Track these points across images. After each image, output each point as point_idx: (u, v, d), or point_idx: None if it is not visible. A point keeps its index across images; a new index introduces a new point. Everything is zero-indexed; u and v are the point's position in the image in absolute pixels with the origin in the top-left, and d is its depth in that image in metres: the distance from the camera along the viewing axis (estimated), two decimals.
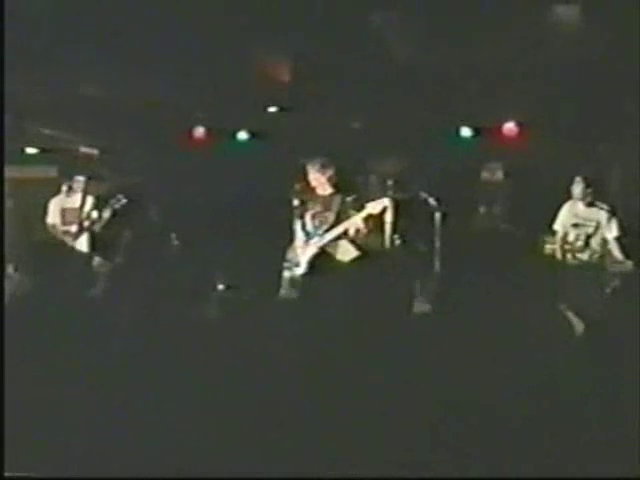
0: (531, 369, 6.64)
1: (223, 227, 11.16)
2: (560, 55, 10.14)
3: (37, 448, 5.02)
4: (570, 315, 8.95)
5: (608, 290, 9.33)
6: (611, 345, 7.23)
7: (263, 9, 9.62)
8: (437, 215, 11.10)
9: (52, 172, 12.26)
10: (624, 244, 9.70)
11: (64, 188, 10.96)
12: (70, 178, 10.96)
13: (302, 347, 7.36)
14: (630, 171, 11.06)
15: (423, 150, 11.50)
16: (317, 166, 9.34)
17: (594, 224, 9.70)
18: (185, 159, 12.12)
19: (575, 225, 9.79)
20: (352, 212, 9.13)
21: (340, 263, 9.13)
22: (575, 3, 9.84)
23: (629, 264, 9.59)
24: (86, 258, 10.61)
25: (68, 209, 10.88)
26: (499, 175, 12.61)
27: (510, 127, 12.04)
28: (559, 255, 9.83)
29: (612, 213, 9.69)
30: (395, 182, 10.46)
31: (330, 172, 9.32)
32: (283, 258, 9.46)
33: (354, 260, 9.15)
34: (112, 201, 10.57)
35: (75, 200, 10.88)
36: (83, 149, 12.94)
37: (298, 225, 9.37)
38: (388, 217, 10.30)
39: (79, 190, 10.88)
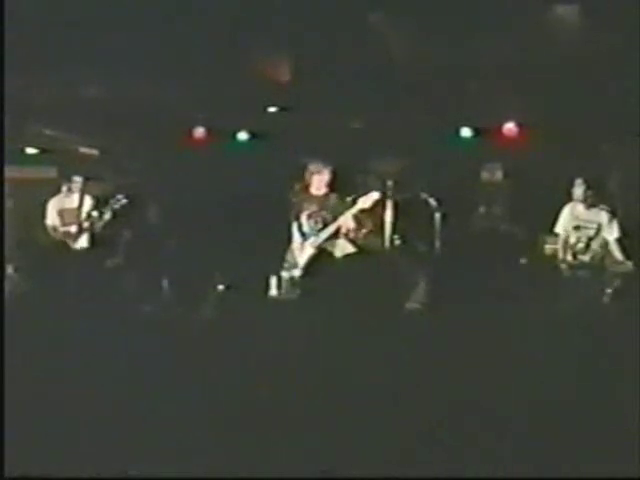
0: (531, 369, 6.63)
1: (223, 227, 11.16)
2: (560, 55, 10.14)
3: (37, 448, 5.02)
4: (570, 315, 8.95)
5: (609, 290, 9.34)
6: (611, 345, 7.23)
7: (263, 9, 9.62)
8: (437, 215, 11.11)
9: (52, 172, 12.26)
10: (624, 245, 9.72)
11: (64, 189, 10.96)
12: (70, 179, 10.96)
13: (301, 348, 7.36)
14: (630, 171, 11.07)
15: (423, 150, 11.50)
16: (313, 166, 9.37)
17: (595, 226, 9.71)
18: (185, 159, 12.11)
19: (576, 227, 9.80)
20: (345, 211, 9.17)
21: (339, 264, 9.14)
22: (575, 3, 9.84)
23: (629, 264, 9.61)
24: (86, 258, 10.61)
25: (67, 210, 10.87)
26: (499, 175, 12.60)
27: (510, 127, 12.04)
28: (561, 256, 9.85)
29: (613, 214, 9.71)
30: (395, 182, 10.47)
31: (326, 172, 9.35)
32: (283, 258, 9.47)
33: (354, 260, 9.16)
34: (112, 201, 10.58)
35: (73, 200, 10.88)
36: (83, 149, 12.94)
37: (295, 226, 9.39)
38: (388, 217, 10.32)
39: (77, 190, 10.88)
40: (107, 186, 11.45)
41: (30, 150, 12.81)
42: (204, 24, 9.70)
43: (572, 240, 9.81)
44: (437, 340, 7.54)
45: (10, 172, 10.75)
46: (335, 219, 9.25)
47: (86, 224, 10.67)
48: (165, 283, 10.43)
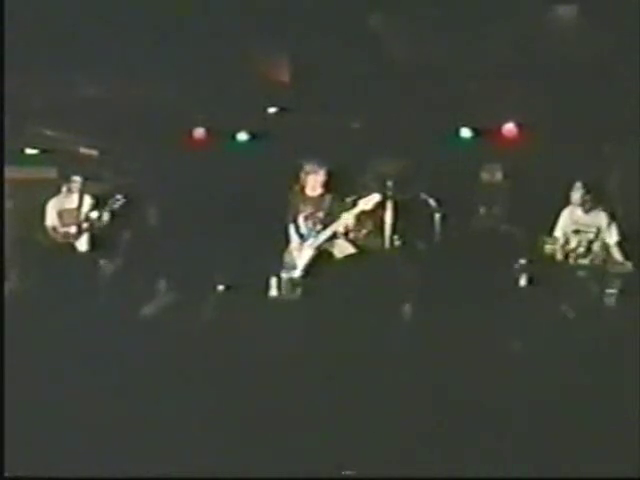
0: (530, 369, 6.64)
1: (223, 227, 11.15)
2: (560, 56, 10.14)
3: (37, 448, 5.03)
4: (570, 315, 8.95)
5: (609, 291, 9.35)
6: (611, 346, 7.23)
7: (262, 10, 9.62)
8: (437, 216, 11.12)
9: (52, 173, 12.23)
10: (624, 246, 9.73)
11: (64, 189, 10.95)
12: (69, 179, 10.95)
13: (301, 348, 7.36)
14: (630, 172, 11.06)
15: (423, 151, 11.48)
16: (308, 167, 9.37)
17: (595, 230, 9.73)
18: (185, 160, 12.10)
19: (576, 231, 9.82)
20: (343, 211, 9.16)
21: (339, 264, 9.14)
22: (575, 3, 9.83)
23: (629, 265, 9.62)
24: (86, 259, 10.60)
25: (66, 210, 10.86)
26: (498, 176, 12.59)
27: (510, 128, 12.02)
28: (559, 257, 9.85)
29: (612, 217, 9.72)
30: (395, 183, 10.47)
31: (321, 173, 9.35)
32: (282, 259, 9.47)
33: (354, 260, 9.16)
34: (110, 201, 10.56)
35: (73, 201, 10.87)
36: (83, 150, 12.92)
37: (292, 228, 9.39)
38: (388, 218, 10.32)
39: (76, 190, 10.87)
40: (107, 186, 11.44)
41: (30, 150, 12.79)
42: (203, 25, 9.70)
43: (572, 244, 9.82)
44: (436, 340, 7.54)
45: (10, 172, 10.74)
46: (331, 220, 9.24)
47: (85, 225, 10.66)
48: (164, 283, 10.43)
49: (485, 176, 12.63)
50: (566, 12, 9.86)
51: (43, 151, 12.82)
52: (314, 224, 9.31)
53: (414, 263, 10.08)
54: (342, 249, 9.23)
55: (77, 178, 10.88)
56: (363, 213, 9.28)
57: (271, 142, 12.15)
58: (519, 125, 11.94)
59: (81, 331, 7.61)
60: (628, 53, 9.50)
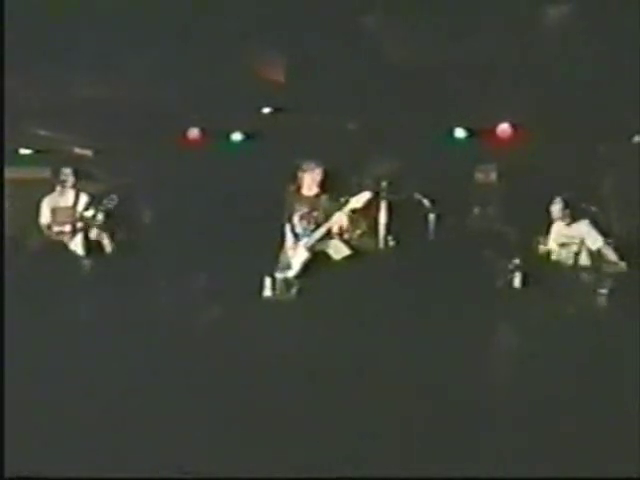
0: (525, 369, 6.65)
1: (217, 227, 11.15)
2: (555, 56, 10.15)
3: (37, 448, 5.03)
4: (565, 315, 8.97)
5: (603, 291, 9.38)
6: (606, 346, 7.24)
7: (257, 10, 9.62)
8: (431, 216, 11.14)
9: (46, 173, 12.22)
10: (619, 247, 9.77)
11: (58, 188, 10.93)
12: (62, 176, 10.92)
13: (295, 349, 7.36)
14: (625, 172, 11.09)
15: (417, 151, 11.49)
16: (305, 167, 9.38)
17: (577, 241, 9.84)
18: (180, 160, 12.10)
19: (563, 244, 9.93)
20: (336, 210, 9.17)
21: (333, 264, 9.15)
22: (569, 3, 9.85)
23: (623, 265, 9.66)
24: (80, 258, 10.59)
25: (60, 208, 10.84)
26: (493, 176, 12.61)
27: (504, 128, 12.05)
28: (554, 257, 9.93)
29: (593, 223, 9.83)
30: (389, 183, 10.49)
31: (317, 171, 9.35)
32: (276, 259, 9.47)
33: (348, 261, 9.16)
34: (105, 201, 10.54)
35: (67, 199, 10.85)
36: (77, 150, 12.92)
37: (287, 227, 9.39)
38: (382, 218, 10.34)
39: (69, 186, 10.84)
40: (101, 186, 11.43)
41: (24, 151, 12.79)
42: (198, 25, 9.69)
43: (562, 256, 9.95)
44: (431, 340, 7.55)
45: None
46: (327, 219, 9.25)
47: (80, 224, 10.64)
48: (158, 283, 10.42)
49: (479, 176, 12.65)
50: (561, 12, 9.88)
51: (37, 151, 12.82)
52: (309, 224, 9.31)
53: (408, 263, 10.09)
54: (338, 250, 9.23)
55: (67, 171, 10.84)
56: (356, 213, 9.29)
57: (266, 142, 12.16)
58: (513, 125, 11.97)
59: (78, 331, 7.61)
60: (623, 54, 9.52)
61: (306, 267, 9.28)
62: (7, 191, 10.87)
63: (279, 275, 9.41)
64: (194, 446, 5.18)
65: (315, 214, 9.31)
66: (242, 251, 10.18)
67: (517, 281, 9.84)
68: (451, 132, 12.22)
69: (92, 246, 10.71)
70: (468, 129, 12.15)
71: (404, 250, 10.58)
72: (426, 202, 11.40)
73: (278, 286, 9.47)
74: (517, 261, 10.32)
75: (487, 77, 10.58)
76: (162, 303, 9.90)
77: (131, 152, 12.55)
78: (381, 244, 10.72)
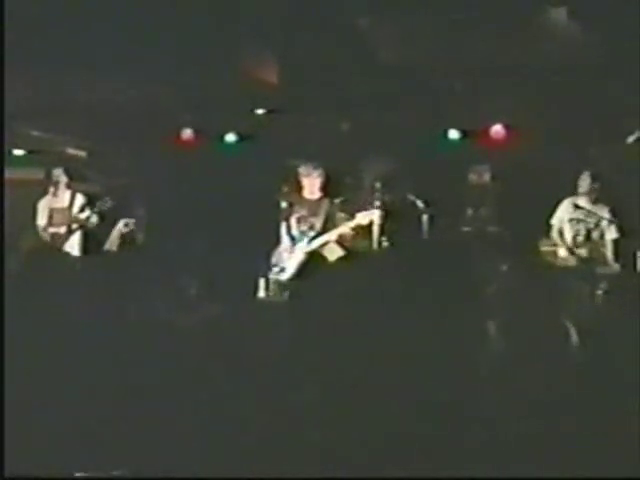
0: (520, 369, 6.66)
1: (211, 228, 11.15)
2: (548, 57, 10.17)
3: (37, 448, 5.04)
4: (560, 316, 8.99)
5: (597, 292, 9.39)
6: (604, 345, 7.26)
7: (250, 11, 9.62)
8: (424, 217, 11.14)
9: (39, 174, 12.18)
10: (618, 247, 9.79)
11: (51, 189, 10.89)
12: (54, 178, 10.89)
13: (289, 350, 7.37)
14: (618, 174, 11.09)
15: (411, 152, 11.49)
16: (308, 170, 9.33)
17: (595, 220, 9.79)
18: (173, 161, 12.10)
19: (576, 220, 9.87)
20: (339, 217, 9.12)
21: (327, 265, 9.13)
22: (564, 5, 9.86)
23: (616, 267, 9.67)
24: (74, 259, 10.57)
25: (56, 209, 10.80)
26: (486, 177, 12.59)
27: (498, 129, 12.05)
28: (562, 253, 9.93)
29: (614, 214, 9.80)
30: (383, 184, 10.47)
31: (320, 176, 9.30)
32: (271, 260, 9.46)
33: (341, 262, 9.14)
34: (99, 203, 10.51)
35: (63, 200, 10.82)
36: (70, 151, 12.89)
37: (283, 229, 9.35)
38: (376, 219, 10.32)
39: (63, 186, 10.80)
40: (95, 187, 11.40)
41: (17, 151, 12.75)
42: (191, 26, 9.69)
43: (570, 233, 9.89)
44: (424, 341, 7.56)
45: None
46: (326, 225, 9.20)
47: (75, 226, 10.61)
48: (152, 284, 10.41)
49: (473, 177, 12.64)
50: (555, 14, 9.89)
51: (30, 152, 12.79)
52: (306, 227, 9.26)
53: (402, 264, 10.09)
54: (332, 252, 9.19)
55: (58, 172, 10.81)
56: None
57: (259, 143, 12.15)
58: (507, 127, 11.96)
59: (74, 332, 7.61)
60: (617, 55, 9.54)
61: (299, 268, 9.26)
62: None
63: (273, 276, 9.40)
64: (192, 445, 5.19)
65: (313, 219, 9.26)
66: (236, 252, 10.18)
67: (512, 282, 9.85)
68: (445, 133, 12.21)
69: (87, 247, 10.68)
70: (462, 130, 12.14)
71: (398, 251, 10.56)
72: (420, 203, 11.40)
73: (272, 287, 9.45)
74: (511, 262, 10.34)
75: (480, 78, 10.59)
76: (155, 303, 9.91)
77: (124, 153, 12.54)
78: (375, 245, 10.69)
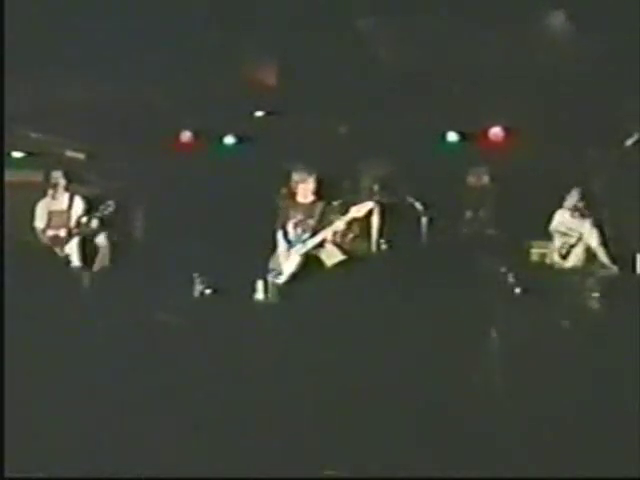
0: (519, 371, 6.66)
1: (209, 231, 11.15)
2: (546, 60, 10.17)
3: (37, 448, 5.04)
4: (557, 318, 8.99)
5: (595, 294, 9.40)
6: (601, 347, 7.26)
7: (250, 13, 9.62)
8: (423, 219, 11.15)
9: (38, 176, 12.19)
10: (610, 250, 9.81)
11: (50, 192, 10.87)
12: (54, 181, 10.88)
13: (286, 353, 7.36)
14: (615, 176, 11.12)
15: (409, 155, 11.51)
16: (299, 174, 9.32)
17: (577, 235, 9.86)
18: (172, 163, 12.10)
19: (562, 233, 9.94)
20: (334, 218, 9.10)
21: (325, 268, 9.13)
22: (562, 8, 9.87)
23: (615, 269, 9.70)
24: (74, 262, 10.56)
25: (55, 212, 10.79)
26: (485, 180, 12.63)
27: (496, 132, 12.07)
28: (555, 258, 9.98)
29: (596, 222, 9.85)
30: (381, 187, 10.49)
31: (312, 180, 9.28)
32: (268, 263, 9.45)
33: (340, 264, 9.14)
34: (102, 207, 10.47)
35: (61, 202, 10.81)
36: (69, 153, 12.90)
37: (280, 234, 9.34)
38: (374, 221, 10.34)
39: (62, 189, 10.79)
40: (93, 190, 11.40)
41: (16, 154, 12.75)
42: (191, 28, 9.69)
43: (558, 243, 9.96)
44: (423, 344, 7.55)
45: None
46: (322, 227, 9.18)
47: (75, 230, 10.59)
48: (149, 285, 10.41)
49: (471, 180, 12.67)
50: (553, 17, 9.91)
51: (29, 154, 12.80)
52: (303, 231, 9.24)
53: (400, 266, 10.09)
54: (330, 256, 9.16)
55: (57, 174, 10.80)
56: (354, 220, 9.24)
57: (258, 146, 12.17)
58: (505, 129, 11.99)
59: (73, 335, 7.61)
60: (614, 57, 9.55)
61: (298, 271, 9.25)
62: None
63: (271, 279, 9.40)
64: (191, 445, 5.19)
65: (309, 222, 9.24)
66: (234, 254, 10.17)
67: (509, 284, 9.86)
68: (443, 136, 12.24)
69: (87, 250, 10.67)
70: (460, 132, 12.17)
71: (396, 253, 10.58)
72: (418, 205, 11.41)
73: (270, 290, 9.45)
74: (509, 264, 10.34)
75: (479, 81, 10.60)
76: (153, 306, 9.89)
77: (123, 155, 12.55)
78: (373, 247, 10.71)
